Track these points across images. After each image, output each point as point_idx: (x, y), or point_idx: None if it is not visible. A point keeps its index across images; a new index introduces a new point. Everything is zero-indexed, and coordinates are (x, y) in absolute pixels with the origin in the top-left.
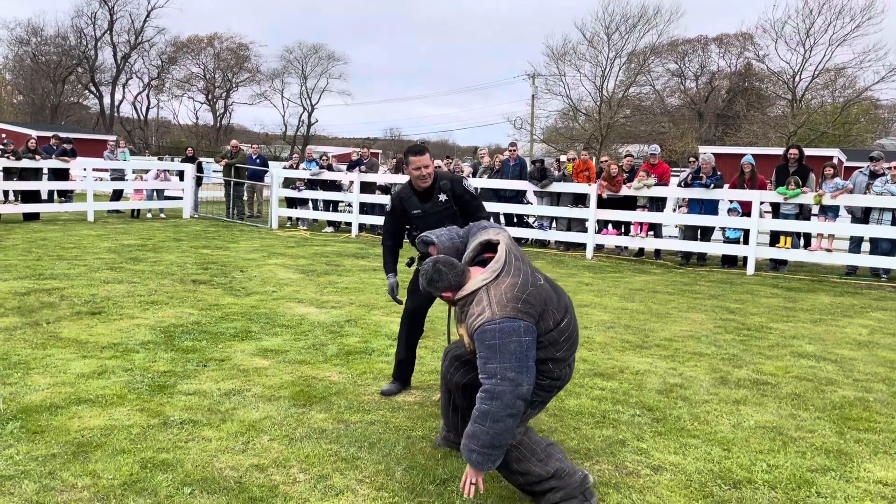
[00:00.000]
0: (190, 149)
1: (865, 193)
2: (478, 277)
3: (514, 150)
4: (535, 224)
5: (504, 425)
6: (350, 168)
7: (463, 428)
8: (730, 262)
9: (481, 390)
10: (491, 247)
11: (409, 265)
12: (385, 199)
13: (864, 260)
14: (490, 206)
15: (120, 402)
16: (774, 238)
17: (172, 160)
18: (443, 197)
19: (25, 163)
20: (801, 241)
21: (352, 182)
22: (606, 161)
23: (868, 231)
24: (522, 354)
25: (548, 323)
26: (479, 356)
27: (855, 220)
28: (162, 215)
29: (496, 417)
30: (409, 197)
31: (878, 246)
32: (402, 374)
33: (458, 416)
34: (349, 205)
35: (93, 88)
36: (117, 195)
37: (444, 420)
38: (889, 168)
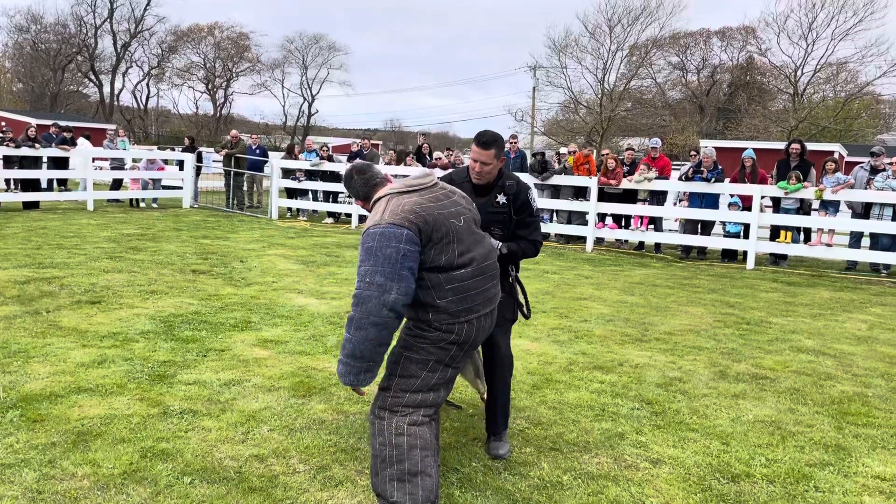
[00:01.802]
0: (189, 138)
1: (866, 189)
2: (384, 189)
3: (515, 143)
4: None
5: (366, 333)
6: (350, 159)
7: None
8: (730, 256)
9: (352, 297)
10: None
11: None
12: None
13: (864, 255)
14: None
15: (120, 391)
16: (775, 232)
17: (172, 150)
18: (502, 199)
19: (25, 151)
20: (801, 236)
21: None
22: (607, 154)
23: (868, 226)
24: (397, 261)
25: (437, 256)
26: (359, 258)
27: (855, 215)
28: (154, 205)
29: (360, 324)
30: (462, 182)
31: (879, 241)
32: None
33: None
34: (349, 195)
35: (92, 77)
36: (117, 184)
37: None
38: (890, 163)
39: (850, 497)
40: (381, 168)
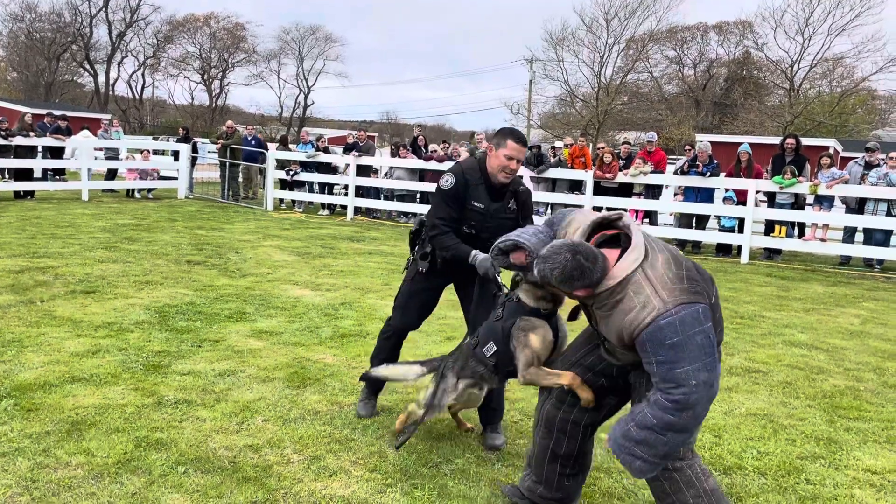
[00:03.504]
0: (184, 129)
1: (861, 184)
2: (626, 260)
3: None
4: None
5: (685, 437)
6: (346, 151)
7: (562, 483)
8: (724, 250)
9: (665, 400)
10: (605, 226)
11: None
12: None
13: (858, 250)
14: None
15: (114, 381)
16: (769, 227)
17: (168, 140)
18: (513, 204)
19: (19, 140)
20: (796, 231)
21: (347, 165)
22: (603, 148)
23: (862, 221)
24: (710, 346)
25: (712, 301)
26: (654, 360)
27: (849, 210)
28: (150, 196)
29: (681, 428)
30: (477, 184)
31: (872, 236)
32: (375, 388)
33: (557, 466)
34: (345, 188)
35: (87, 66)
36: (112, 174)
37: (531, 469)
38: (885, 159)
39: (841, 490)
40: (380, 159)
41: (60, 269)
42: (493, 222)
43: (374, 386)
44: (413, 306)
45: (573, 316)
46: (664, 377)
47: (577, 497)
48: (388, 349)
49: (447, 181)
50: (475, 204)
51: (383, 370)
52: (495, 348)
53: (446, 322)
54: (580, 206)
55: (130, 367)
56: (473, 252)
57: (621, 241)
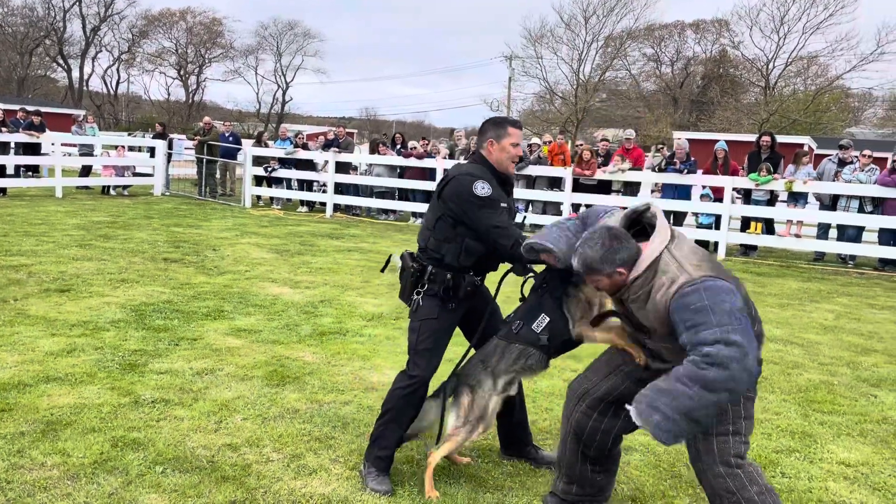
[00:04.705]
0: (160, 125)
1: (834, 181)
2: (652, 244)
3: None
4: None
5: (715, 398)
6: (325, 147)
7: (594, 479)
8: (701, 246)
9: (695, 356)
10: (636, 220)
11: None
12: (358, 179)
13: (832, 246)
14: None
15: (90, 380)
16: (745, 223)
17: (143, 136)
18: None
19: None
20: (765, 227)
21: (326, 162)
22: (581, 145)
23: (835, 218)
24: (741, 315)
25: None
26: (683, 329)
27: (823, 207)
28: (125, 193)
29: (711, 386)
30: (496, 186)
31: (845, 232)
32: (389, 464)
33: (588, 465)
34: (324, 185)
35: (61, 61)
36: (86, 171)
37: (562, 471)
38: (858, 156)
39: (816, 482)
40: (361, 156)
41: (34, 267)
42: (509, 217)
43: (390, 459)
44: (443, 347)
45: (597, 322)
46: (693, 341)
47: (610, 489)
48: (415, 405)
49: (485, 188)
50: (502, 205)
51: (415, 427)
52: (548, 319)
53: None
54: (559, 203)
55: (106, 367)
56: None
57: (650, 232)
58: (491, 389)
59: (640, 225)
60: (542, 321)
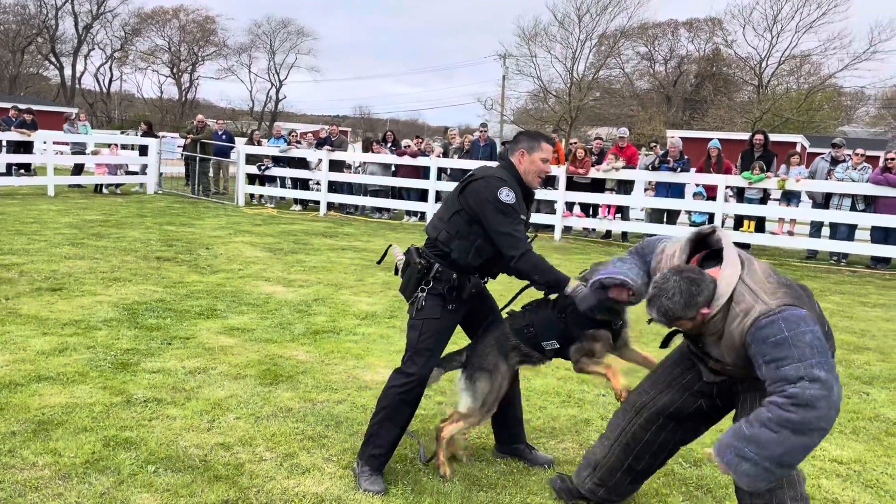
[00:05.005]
0: (146, 123)
1: (827, 179)
2: (725, 275)
3: (485, 131)
4: None
5: (807, 441)
6: (319, 146)
7: (625, 489)
8: None
9: (779, 397)
10: (700, 243)
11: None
12: (349, 177)
13: (824, 244)
14: None
15: (82, 379)
16: (738, 222)
17: (137, 134)
18: None
19: None
20: (757, 225)
21: (320, 160)
22: (575, 143)
23: (828, 216)
24: (822, 347)
25: (816, 312)
26: (762, 362)
27: (816, 205)
28: (118, 191)
29: (801, 429)
30: (519, 197)
31: (838, 230)
32: (383, 463)
33: (628, 477)
34: (318, 183)
35: (53, 59)
36: (78, 169)
37: (597, 473)
38: (850, 155)
39: (808, 480)
40: (353, 155)
41: (26, 265)
42: (526, 230)
43: (385, 459)
44: (442, 347)
45: (665, 344)
46: (774, 378)
47: (629, 496)
48: (411, 404)
49: (510, 195)
50: (521, 216)
51: None
52: (558, 346)
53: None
54: (553, 202)
55: (98, 366)
56: (575, 283)
57: (716, 256)
58: (505, 374)
59: (704, 247)
60: (553, 345)
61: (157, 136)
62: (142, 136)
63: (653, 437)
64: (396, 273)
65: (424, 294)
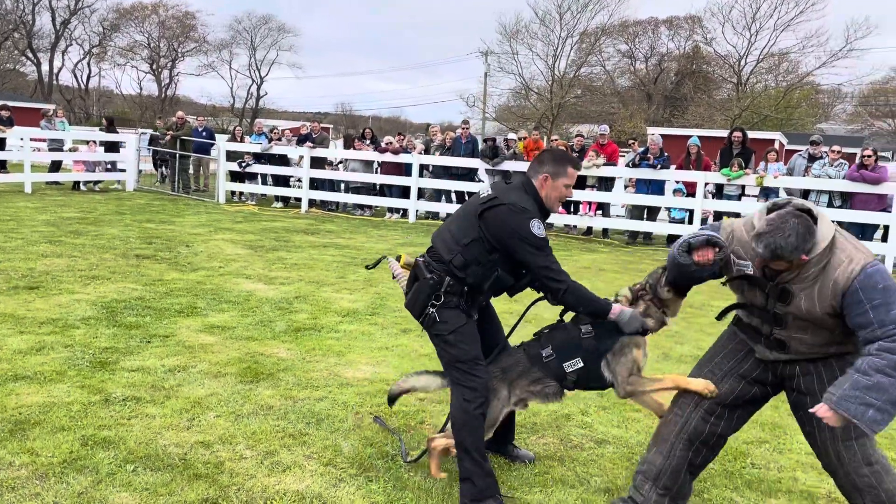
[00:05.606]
0: (107, 119)
1: (804, 176)
2: (823, 224)
3: (467, 128)
4: None
5: None
6: (300, 142)
7: (686, 492)
8: (675, 240)
9: (889, 342)
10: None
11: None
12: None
13: None
14: (441, 184)
15: (59, 378)
16: (717, 218)
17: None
18: None
19: None
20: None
21: (301, 157)
22: (556, 141)
23: None
24: None
25: None
26: (869, 306)
27: None
28: (96, 188)
29: None
30: (543, 224)
31: None
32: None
33: (689, 477)
34: (299, 180)
35: (30, 55)
36: (56, 166)
37: (658, 483)
38: (827, 152)
39: (785, 473)
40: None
41: (2, 264)
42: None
43: (491, 479)
44: (481, 349)
45: (721, 316)
46: (882, 321)
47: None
48: (486, 414)
49: (541, 229)
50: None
51: (407, 382)
52: (581, 364)
53: (402, 315)
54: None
55: (76, 365)
56: (618, 307)
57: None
58: (505, 400)
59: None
60: (576, 364)
61: (117, 132)
62: (101, 130)
63: (713, 427)
64: (404, 291)
65: (436, 309)
